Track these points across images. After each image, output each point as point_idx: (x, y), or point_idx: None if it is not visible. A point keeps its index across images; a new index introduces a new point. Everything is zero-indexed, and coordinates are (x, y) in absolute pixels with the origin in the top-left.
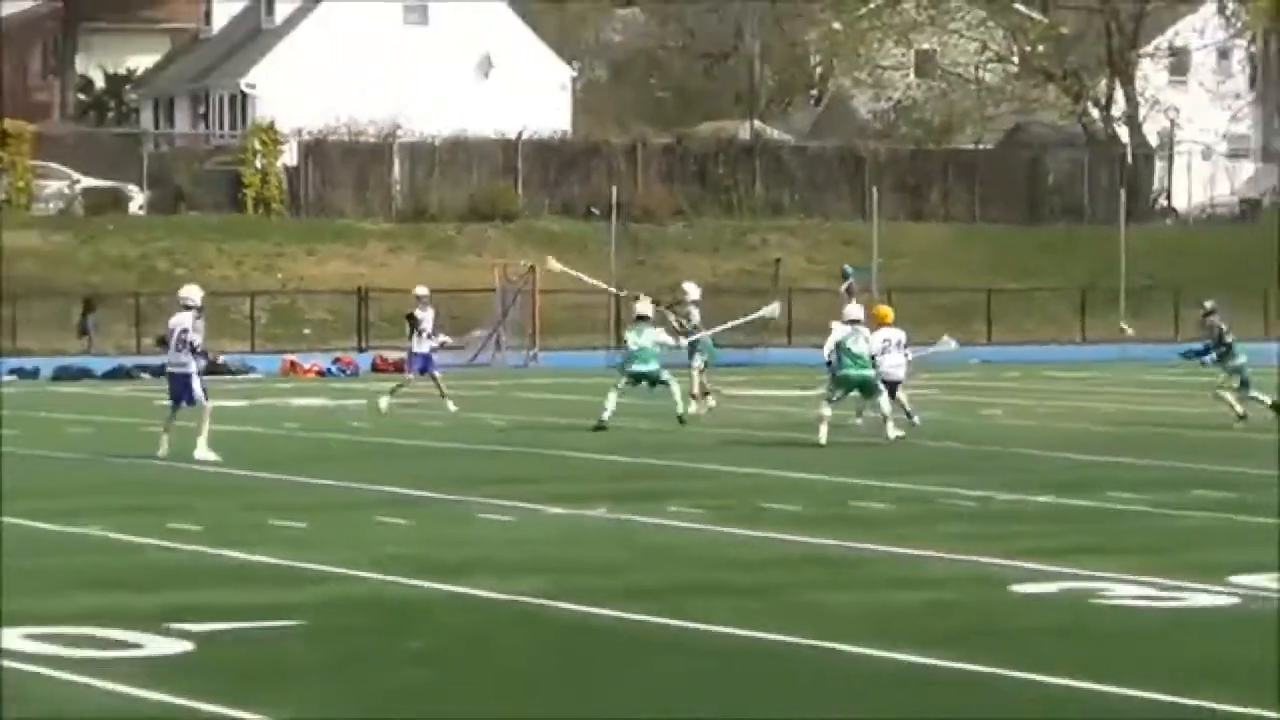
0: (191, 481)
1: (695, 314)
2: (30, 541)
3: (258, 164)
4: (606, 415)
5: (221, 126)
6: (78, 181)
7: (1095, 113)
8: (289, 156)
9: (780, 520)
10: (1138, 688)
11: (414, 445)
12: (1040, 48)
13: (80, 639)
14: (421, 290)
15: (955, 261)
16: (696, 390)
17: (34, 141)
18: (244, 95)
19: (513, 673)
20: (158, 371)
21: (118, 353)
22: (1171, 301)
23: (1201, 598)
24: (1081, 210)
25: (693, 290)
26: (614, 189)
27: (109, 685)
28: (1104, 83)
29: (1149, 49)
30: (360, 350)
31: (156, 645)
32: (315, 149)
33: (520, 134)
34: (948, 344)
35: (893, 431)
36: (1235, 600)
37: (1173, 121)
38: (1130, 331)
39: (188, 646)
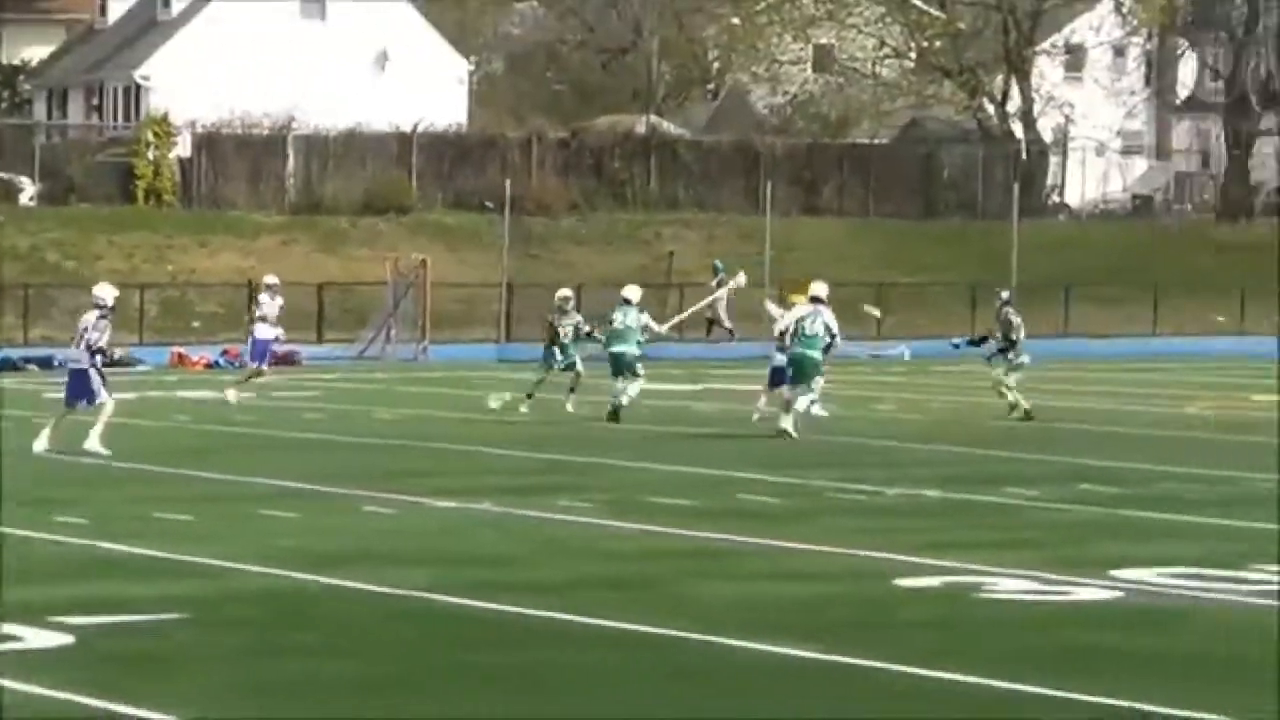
0: (79, 474)
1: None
2: None
3: (150, 156)
4: (625, 401)
5: (115, 118)
6: None
7: (991, 109)
8: (182, 148)
9: (668, 514)
10: (1018, 681)
11: (301, 438)
12: (937, 44)
13: None
14: (271, 279)
15: (849, 256)
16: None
17: None
18: (138, 87)
19: (397, 665)
20: (45, 364)
21: (5, 345)
22: (1062, 297)
23: (1085, 592)
24: (975, 205)
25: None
26: (508, 182)
27: None
28: (1000, 79)
29: (1045, 46)
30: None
31: (37, 638)
32: (208, 141)
33: (416, 127)
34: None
35: (818, 410)
36: (1119, 594)
37: (1067, 118)
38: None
39: (68, 639)
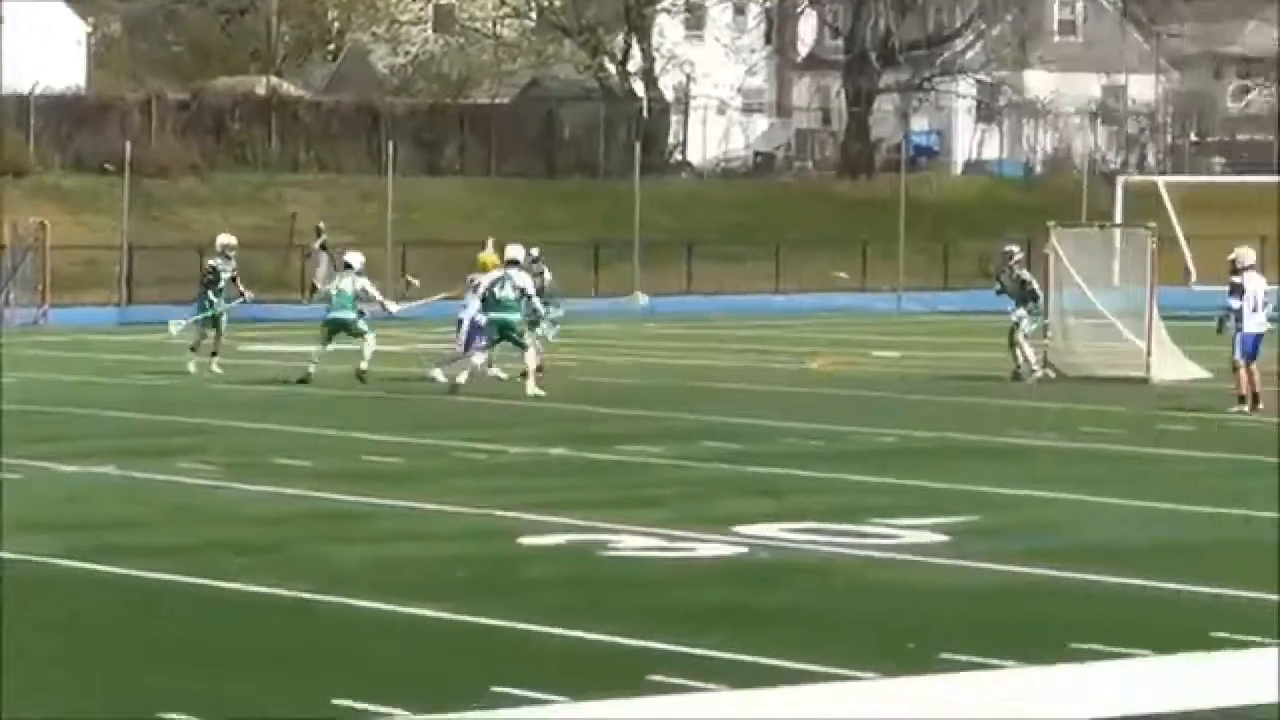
0: None
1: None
2: None
3: None
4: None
5: None
6: None
7: (612, 68)
8: None
9: (291, 475)
10: (642, 637)
11: None
12: (558, 3)
13: None
14: None
15: (473, 215)
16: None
17: None
18: None
19: (21, 631)
20: None
21: None
22: (684, 255)
23: (709, 548)
24: (598, 164)
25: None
26: (127, 144)
27: None
28: (621, 38)
29: (665, 4)
30: None
31: None
32: None
33: (33, 89)
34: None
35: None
36: (743, 550)
37: (688, 76)
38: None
39: None
